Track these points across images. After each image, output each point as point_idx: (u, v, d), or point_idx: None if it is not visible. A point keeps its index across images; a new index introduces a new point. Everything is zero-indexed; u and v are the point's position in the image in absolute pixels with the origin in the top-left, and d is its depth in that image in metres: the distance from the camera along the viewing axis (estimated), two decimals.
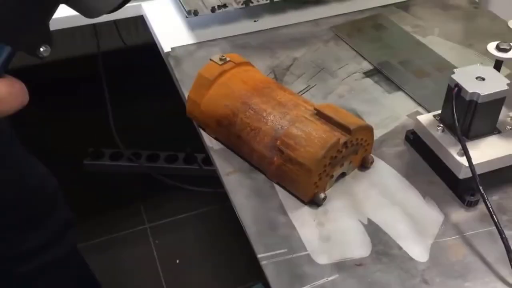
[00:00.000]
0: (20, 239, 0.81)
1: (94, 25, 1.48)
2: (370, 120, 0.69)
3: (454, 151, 0.58)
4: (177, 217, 1.49)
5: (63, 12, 0.97)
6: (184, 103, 0.77)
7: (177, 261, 1.38)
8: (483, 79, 0.58)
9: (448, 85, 0.59)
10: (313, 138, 0.57)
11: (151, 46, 1.17)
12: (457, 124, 0.56)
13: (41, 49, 0.39)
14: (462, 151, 0.56)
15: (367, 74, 0.79)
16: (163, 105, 1.75)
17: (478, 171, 0.55)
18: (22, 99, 0.38)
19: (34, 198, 0.82)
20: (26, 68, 1.72)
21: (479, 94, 0.56)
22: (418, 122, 0.63)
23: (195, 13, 0.81)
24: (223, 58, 0.67)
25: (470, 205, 0.58)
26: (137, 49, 1.82)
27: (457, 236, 0.55)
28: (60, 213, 0.87)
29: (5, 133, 0.77)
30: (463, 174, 0.57)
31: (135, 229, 1.46)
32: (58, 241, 0.86)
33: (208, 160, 1.59)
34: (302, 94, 0.75)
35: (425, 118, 0.63)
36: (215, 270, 1.38)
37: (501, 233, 0.52)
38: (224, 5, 0.82)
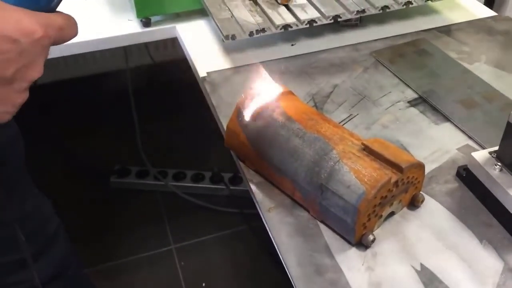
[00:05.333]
0: (16, 276, 0.79)
1: None
2: (417, 154, 0.66)
3: None
4: (203, 238, 1.46)
5: (94, 35, 0.95)
6: (213, 124, 0.75)
7: (203, 284, 1.35)
8: None
9: (508, 122, 0.55)
10: (362, 176, 0.54)
11: (178, 63, 1.15)
12: None
13: None
14: None
15: (412, 103, 0.75)
16: (190, 124, 1.73)
17: None
18: (76, 30, 0.45)
19: (34, 238, 0.80)
20: (55, 83, 1.73)
21: None
22: (473, 159, 0.59)
23: (233, 37, 0.79)
24: None
25: None
26: (165, 66, 1.81)
27: None
28: (58, 250, 0.85)
29: (17, 171, 0.76)
30: None
31: (160, 250, 1.44)
32: (56, 276, 0.85)
33: (235, 180, 1.56)
34: (344, 124, 0.71)
35: (480, 155, 0.59)
36: None
37: None
38: (263, 30, 0.80)
